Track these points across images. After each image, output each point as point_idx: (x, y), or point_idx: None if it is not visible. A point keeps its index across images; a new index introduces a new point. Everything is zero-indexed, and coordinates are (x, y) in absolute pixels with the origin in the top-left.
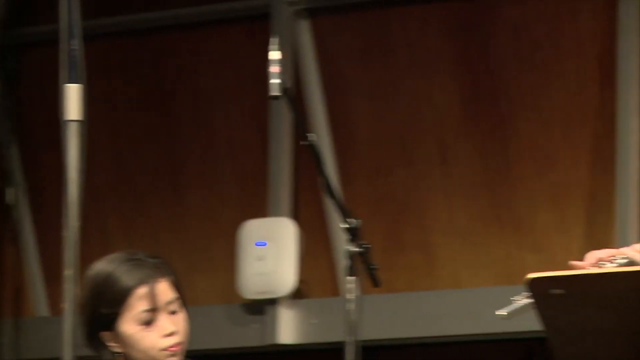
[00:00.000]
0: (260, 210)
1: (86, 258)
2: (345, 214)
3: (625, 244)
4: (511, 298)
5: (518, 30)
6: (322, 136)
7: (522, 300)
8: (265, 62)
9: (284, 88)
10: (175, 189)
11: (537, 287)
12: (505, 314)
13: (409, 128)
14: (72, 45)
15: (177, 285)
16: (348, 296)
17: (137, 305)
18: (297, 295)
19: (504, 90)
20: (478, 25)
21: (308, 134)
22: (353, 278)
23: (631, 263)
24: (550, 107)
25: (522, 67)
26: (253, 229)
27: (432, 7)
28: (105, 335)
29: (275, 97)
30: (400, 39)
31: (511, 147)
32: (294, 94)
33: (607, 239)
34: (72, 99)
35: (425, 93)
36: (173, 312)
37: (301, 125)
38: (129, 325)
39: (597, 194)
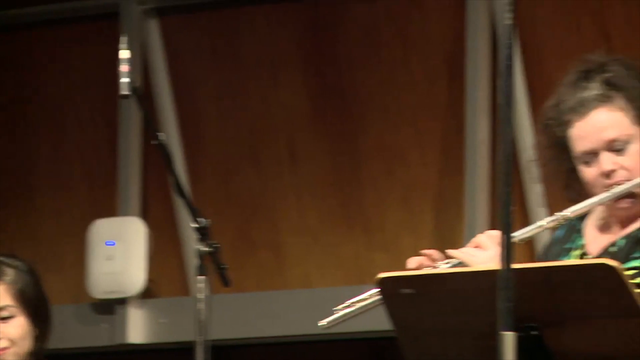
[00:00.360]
0: (110, 209)
1: None
2: (195, 213)
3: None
4: (333, 308)
5: (366, 29)
6: (171, 135)
7: (343, 310)
8: (115, 61)
9: (133, 87)
10: (25, 188)
11: (386, 287)
12: (326, 324)
13: (258, 127)
14: None
15: (24, 291)
16: (198, 295)
17: None
18: (147, 294)
19: (353, 90)
20: (326, 25)
21: (158, 133)
22: (203, 277)
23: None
24: (399, 106)
25: (370, 67)
26: (102, 229)
27: (281, 7)
28: None
29: (125, 96)
30: (248, 38)
31: (360, 146)
32: (144, 93)
33: (456, 238)
34: None
35: (274, 92)
36: (4, 318)
37: (151, 125)
38: None
39: (446, 193)
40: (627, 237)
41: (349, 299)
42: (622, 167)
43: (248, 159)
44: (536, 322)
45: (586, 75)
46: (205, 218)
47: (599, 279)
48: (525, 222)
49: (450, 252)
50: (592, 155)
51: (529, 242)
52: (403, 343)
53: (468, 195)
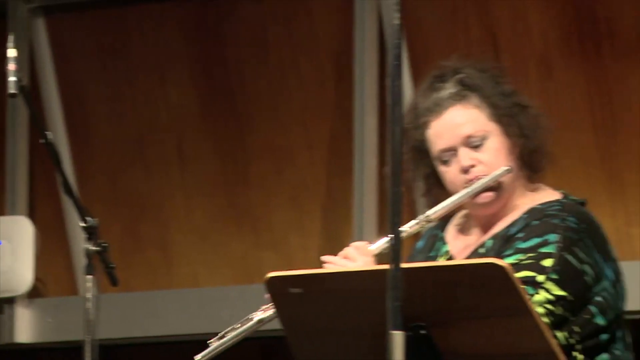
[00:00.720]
0: None
1: None
2: (83, 212)
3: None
4: (208, 342)
5: (254, 29)
6: (59, 134)
7: (217, 342)
8: (2, 60)
9: (20, 86)
10: None
11: (275, 286)
12: (200, 358)
13: (146, 127)
14: None
15: None
16: (86, 295)
17: None
18: (35, 294)
19: (242, 90)
20: (214, 25)
21: (45, 132)
22: (91, 277)
23: None
24: (287, 106)
25: (259, 67)
26: None
27: (169, 6)
28: None
29: (12, 95)
30: (136, 37)
31: (249, 146)
32: (31, 92)
33: (345, 238)
34: None
35: (162, 92)
36: None
37: (38, 124)
38: None
39: (334, 193)
40: (495, 237)
41: (242, 298)
42: (480, 163)
43: (136, 158)
44: (425, 322)
45: (441, 79)
46: (94, 217)
47: (487, 279)
48: None
49: (324, 258)
50: (450, 153)
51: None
52: (293, 343)
53: (356, 195)
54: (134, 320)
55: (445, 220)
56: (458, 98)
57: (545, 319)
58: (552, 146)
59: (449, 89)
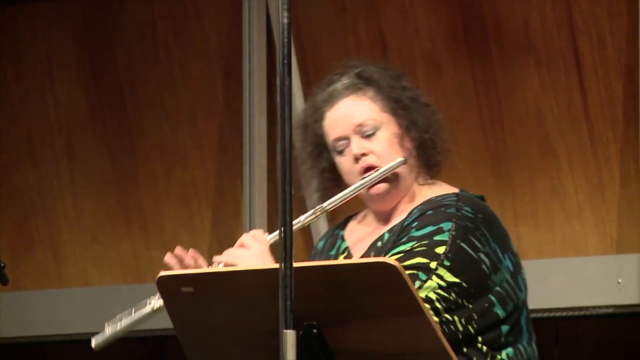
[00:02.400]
0: None
1: None
2: None
3: None
4: (106, 323)
5: (142, 27)
6: None
7: (112, 326)
8: None
9: None
10: None
11: (166, 285)
12: (95, 342)
13: (35, 125)
14: None
15: None
16: None
17: None
18: None
19: (130, 88)
20: (104, 23)
21: None
22: None
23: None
24: (177, 105)
25: (147, 65)
26: None
27: (58, 4)
28: None
29: None
30: (25, 34)
31: (138, 145)
32: None
33: (234, 237)
34: None
35: (51, 90)
36: None
37: None
38: None
39: (224, 192)
40: (391, 230)
41: (131, 297)
42: (371, 152)
43: (26, 158)
44: (318, 321)
45: (340, 73)
46: None
47: (379, 278)
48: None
49: (215, 258)
50: (344, 143)
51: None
52: (185, 342)
53: (246, 194)
54: (24, 319)
55: (346, 220)
56: (352, 89)
57: (438, 305)
58: (448, 144)
59: (344, 80)
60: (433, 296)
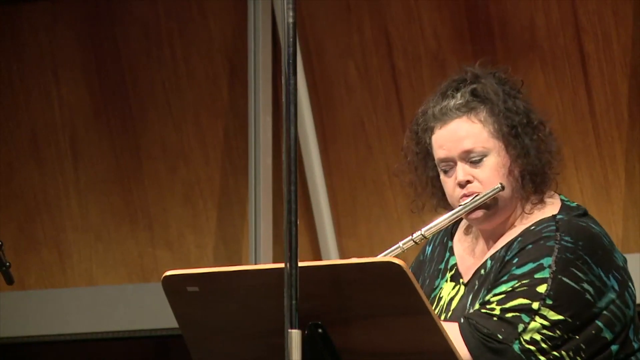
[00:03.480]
0: None
1: None
2: None
3: (257, 241)
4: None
5: (146, 26)
6: None
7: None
8: None
9: None
10: None
11: (172, 285)
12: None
13: (40, 124)
14: None
15: None
16: None
17: None
18: None
19: (135, 87)
20: (108, 22)
21: None
22: None
23: None
24: (181, 104)
25: (152, 64)
26: None
27: (61, 3)
28: None
29: None
30: (28, 34)
31: (142, 144)
32: None
33: (240, 236)
34: None
35: (55, 89)
36: None
37: None
38: None
39: (229, 191)
40: (493, 258)
41: (137, 297)
42: (477, 179)
43: (30, 157)
44: (322, 320)
45: (457, 85)
46: None
47: (385, 277)
48: (310, 220)
49: None
50: (450, 164)
51: None
52: (190, 341)
53: (252, 193)
54: (30, 319)
55: (453, 225)
56: (465, 110)
57: (544, 345)
58: (560, 168)
59: (459, 98)
60: (538, 337)
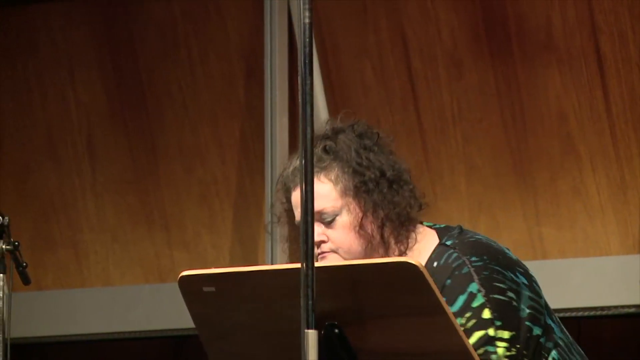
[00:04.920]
0: None
1: None
2: None
3: (274, 241)
4: None
5: (163, 27)
6: None
7: None
8: None
9: None
10: None
11: (188, 285)
12: None
13: (56, 125)
14: None
15: None
16: None
17: None
18: None
19: (151, 88)
20: (124, 22)
21: None
22: (2, 275)
23: None
24: (198, 105)
25: (168, 64)
26: None
27: (76, 3)
28: None
29: None
30: (44, 34)
31: (159, 144)
32: None
33: (256, 237)
34: None
35: (72, 90)
36: None
37: None
38: None
39: (246, 192)
40: None
41: (154, 297)
42: (330, 239)
43: (46, 156)
44: (339, 320)
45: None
46: (4, 215)
47: (401, 277)
48: None
49: None
50: None
51: None
52: (206, 341)
53: (268, 194)
54: (46, 319)
55: None
56: (316, 170)
57: None
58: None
59: None
60: (508, 357)
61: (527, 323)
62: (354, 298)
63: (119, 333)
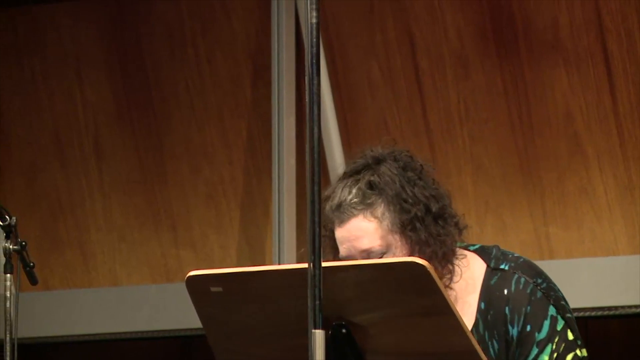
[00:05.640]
0: None
1: None
2: (1, 211)
3: (281, 241)
4: None
5: (170, 26)
6: None
7: None
8: None
9: None
10: None
11: (195, 285)
12: None
13: (63, 125)
14: None
15: None
16: (6, 294)
17: None
18: None
19: (158, 87)
20: (131, 22)
21: None
22: (10, 275)
23: None
24: (205, 105)
25: (176, 65)
26: None
27: (84, 3)
28: None
29: None
30: (51, 34)
31: (166, 144)
32: None
33: (263, 237)
34: None
35: (79, 90)
36: None
37: None
38: None
39: (253, 192)
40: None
41: (161, 297)
42: None
43: (54, 156)
44: (346, 320)
45: (355, 173)
46: (11, 216)
47: (409, 277)
48: None
49: None
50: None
51: None
52: (213, 341)
53: (275, 194)
54: (53, 319)
55: None
56: (361, 207)
57: None
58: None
59: (355, 195)
60: None
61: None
62: (362, 298)
63: (125, 333)
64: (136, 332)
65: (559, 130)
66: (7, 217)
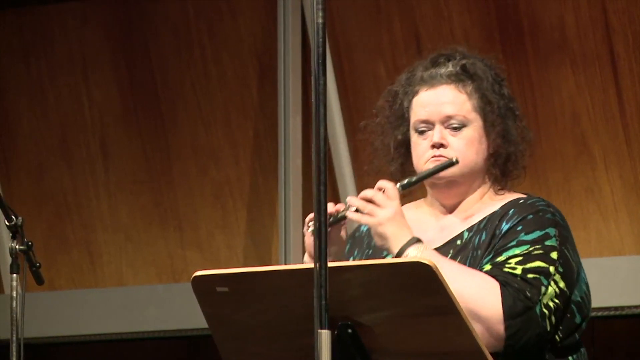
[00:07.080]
0: None
1: None
2: (8, 211)
3: (287, 241)
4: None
5: (176, 26)
6: None
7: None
8: None
9: None
10: None
11: (202, 285)
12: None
13: (70, 125)
14: None
15: None
16: (12, 294)
17: None
18: None
19: (165, 87)
20: (138, 23)
21: None
22: (16, 275)
23: None
24: (211, 105)
25: (181, 64)
26: None
27: (91, 3)
28: None
29: None
30: (58, 34)
31: (172, 144)
32: None
33: (270, 237)
34: None
35: (85, 89)
36: None
37: None
38: None
39: (259, 191)
40: (471, 229)
41: (167, 297)
42: (451, 146)
43: (60, 157)
44: (352, 320)
45: (447, 57)
46: (18, 216)
47: (415, 277)
48: None
49: (350, 200)
50: (428, 126)
51: None
52: (219, 341)
53: (281, 193)
54: (59, 319)
55: None
56: (454, 79)
57: (553, 317)
58: (531, 161)
59: (450, 67)
60: (551, 304)
61: (572, 306)
62: (368, 298)
63: (132, 333)
64: (142, 332)
65: (565, 130)
66: (13, 217)
